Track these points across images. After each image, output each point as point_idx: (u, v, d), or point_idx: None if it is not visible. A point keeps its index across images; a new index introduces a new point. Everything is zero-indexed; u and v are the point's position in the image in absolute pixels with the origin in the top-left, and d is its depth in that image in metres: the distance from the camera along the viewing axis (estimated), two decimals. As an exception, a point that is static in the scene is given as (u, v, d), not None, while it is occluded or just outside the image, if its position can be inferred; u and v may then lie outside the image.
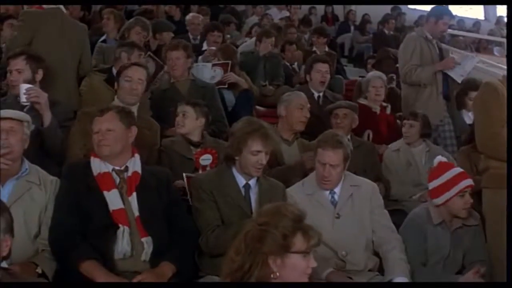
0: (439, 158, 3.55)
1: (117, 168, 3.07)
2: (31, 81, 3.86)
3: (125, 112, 3.17)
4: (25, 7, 5.86)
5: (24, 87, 3.64)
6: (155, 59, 5.63)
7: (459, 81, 5.34)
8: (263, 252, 2.18)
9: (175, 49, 4.90)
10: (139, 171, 3.11)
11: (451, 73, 5.23)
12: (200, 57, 6.04)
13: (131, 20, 6.12)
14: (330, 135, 3.44)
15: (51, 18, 4.86)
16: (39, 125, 3.53)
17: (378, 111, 5.35)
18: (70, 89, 4.77)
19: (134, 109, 3.98)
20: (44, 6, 5.09)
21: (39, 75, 3.97)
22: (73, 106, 4.31)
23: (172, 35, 6.69)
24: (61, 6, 5.02)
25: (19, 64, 3.91)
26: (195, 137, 4.02)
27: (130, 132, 3.14)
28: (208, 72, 5.35)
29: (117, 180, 3.05)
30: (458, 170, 3.45)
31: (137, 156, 3.17)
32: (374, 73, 5.83)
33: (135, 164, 3.12)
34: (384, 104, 5.54)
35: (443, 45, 5.67)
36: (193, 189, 3.34)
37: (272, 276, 2.19)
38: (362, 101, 5.36)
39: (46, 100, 3.64)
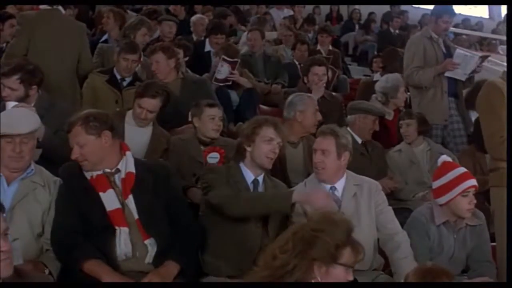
0: (444, 158, 3.49)
1: (107, 170, 2.98)
2: (24, 97, 3.73)
3: (90, 121, 2.95)
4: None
5: (10, 105, 3.49)
6: None
7: (463, 80, 5.19)
8: (311, 256, 2.20)
9: (154, 53, 4.87)
10: (133, 171, 3.01)
11: (453, 75, 5.12)
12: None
13: (134, 20, 5.96)
14: (325, 126, 3.52)
15: (48, 19, 4.84)
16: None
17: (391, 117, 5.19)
18: (66, 90, 4.71)
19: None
20: (40, 6, 5.08)
21: (33, 91, 3.80)
22: (71, 108, 4.16)
23: (175, 29, 6.65)
24: (60, 7, 5.01)
25: (12, 83, 3.73)
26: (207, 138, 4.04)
27: (102, 139, 2.95)
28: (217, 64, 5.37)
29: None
30: (461, 170, 3.38)
31: (128, 154, 3.05)
32: (398, 76, 5.41)
33: (127, 164, 3.01)
34: (401, 108, 5.35)
35: (451, 43, 5.59)
36: (202, 176, 3.33)
37: (312, 280, 2.21)
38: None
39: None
